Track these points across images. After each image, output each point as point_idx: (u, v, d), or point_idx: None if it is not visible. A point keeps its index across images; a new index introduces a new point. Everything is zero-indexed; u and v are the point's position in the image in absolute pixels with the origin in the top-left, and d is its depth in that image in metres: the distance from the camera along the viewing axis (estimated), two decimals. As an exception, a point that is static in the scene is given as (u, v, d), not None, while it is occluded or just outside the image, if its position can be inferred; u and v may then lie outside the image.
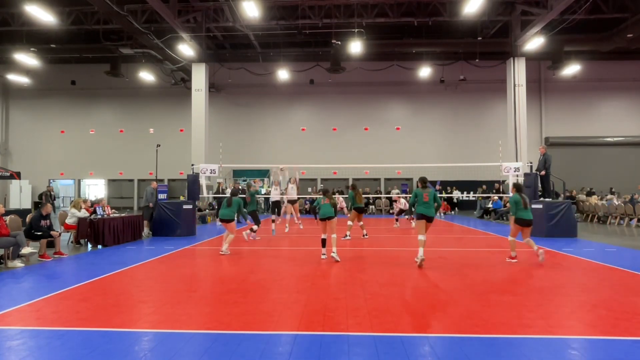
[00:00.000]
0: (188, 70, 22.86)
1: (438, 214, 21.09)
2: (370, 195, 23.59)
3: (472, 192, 22.63)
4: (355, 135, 26.59)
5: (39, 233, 8.54)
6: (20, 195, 24.06)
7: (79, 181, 28.00)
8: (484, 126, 26.08)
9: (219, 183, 19.29)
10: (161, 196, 14.46)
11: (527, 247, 8.94)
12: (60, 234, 9.15)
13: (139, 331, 4.29)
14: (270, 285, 6.29)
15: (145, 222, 12.87)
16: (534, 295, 5.64)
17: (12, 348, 3.84)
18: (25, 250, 7.97)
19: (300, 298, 5.47)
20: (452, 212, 23.60)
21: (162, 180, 24.27)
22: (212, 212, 19.15)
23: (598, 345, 3.93)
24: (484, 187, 21.77)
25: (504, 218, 18.46)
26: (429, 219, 7.90)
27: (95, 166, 27.50)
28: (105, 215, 10.84)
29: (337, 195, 15.15)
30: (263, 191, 23.53)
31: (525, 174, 13.54)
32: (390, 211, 19.32)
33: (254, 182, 25.33)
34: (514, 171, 15.32)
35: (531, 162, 13.86)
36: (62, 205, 28.23)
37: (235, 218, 10.31)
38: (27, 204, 23.90)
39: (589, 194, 21.85)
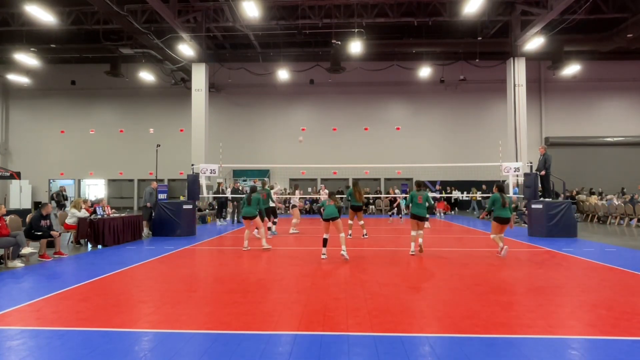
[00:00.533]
0: (188, 70, 22.86)
1: (438, 214, 21.18)
2: (370, 195, 23.58)
3: (472, 192, 22.62)
4: (355, 135, 26.59)
5: (39, 233, 8.54)
6: (20, 195, 24.08)
7: (79, 181, 28.00)
8: (484, 126, 26.08)
9: (219, 183, 19.29)
10: (161, 196, 14.46)
11: (529, 247, 8.97)
12: (60, 234, 9.15)
13: (139, 331, 4.28)
14: (270, 285, 6.29)
15: (145, 222, 12.87)
16: (534, 295, 5.64)
17: (12, 348, 3.84)
18: (25, 250, 7.98)
19: (300, 298, 5.47)
20: (452, 212, 23.61)
21: (162, 180, 24.28)
22: (212, 212, 19.17)
23: (598, 345, 3.93)
24: (484, 187, 21.77)
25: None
26: (420, 219, 9.13)
27: (95, 166, 27.50)
28: (105, 215, 10.84)
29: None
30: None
31: (525, 174, 13.53)
32: (390, 212, 19.37)
33: (254, 182, 25.38)
34: (514, 171, 15.33)
35: (531, 162, 13.85)
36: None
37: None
38: (27, 204, 23.92)
39: (593, 193, 21.85)
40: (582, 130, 26.04)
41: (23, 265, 7.80)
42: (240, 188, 19.97)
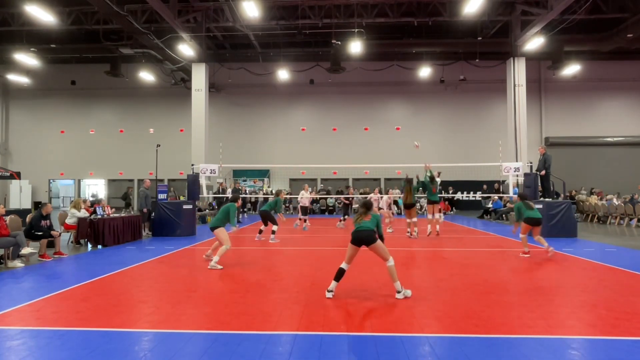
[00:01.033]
0: (188, 70, 22.86)
1: (438, 214, 21.13)
2: (370, 195, 23.52)
3: (471, 192, 22.62)
4: (355, 135, 26.58)
5: (39, 233, 8.54)
6: (20, 195, 24.07)
7: (79, 181, 28.00)
8: (484, 126, 26.09)
9: (219, 183, 19.29)
10: (161, 196, 14.45)
11: (529, 247, 8.96)
12: (60, 234, 9.15)
13: (139, 331, 4.29)
14: (270, 285, 6.29)
15: (144, 224, 12.89)
16: (534, 295, 5.64)
17: (12, 348, 3.84)
18: (25, 250, 7.98)
19: (300, 298, 5.47)
20: (452, 212, 23.61)
21: (162, 180, 24.27)
22: (212, 212, 19.16)
23: (598, 345, 3.93)
24: (485, 187, 21.78)
25: (504, 218, 18.47)
26: (408, 206, 11.73)
27: (95, 166, 27.50)
28: (105, 215, 10.84)
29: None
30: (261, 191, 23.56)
31: (525, 174, 13.54)
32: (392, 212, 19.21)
33: (254, 183, 25.42)
34: (514, 171, 15.32)
35: (531, 162, 13.85)
36: (61, 205, 28.26)
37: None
38: (27, 204, 23.91)
39: (593, 193, 21.85)
40: (582, 130, 26.04)
41: (23, 265, 7.80)
42: (241, 188, 20.00)
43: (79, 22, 19.92)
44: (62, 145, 27.58)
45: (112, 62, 23.62)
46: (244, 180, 26.05)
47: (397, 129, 26.73)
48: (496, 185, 21.02)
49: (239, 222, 17.64)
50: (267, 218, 11.52)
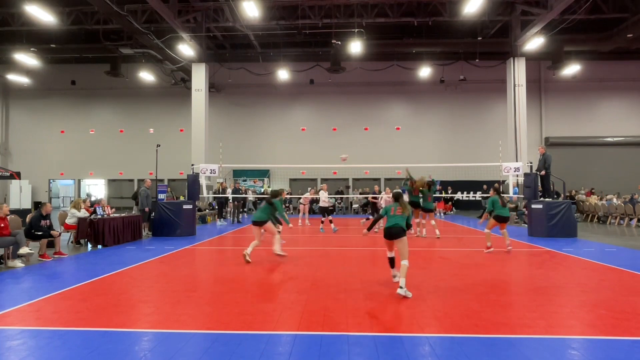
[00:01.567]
0: (188, 70, 22.86)
1: (438, 214, 21.18)
2: (369, 195, 23.51)
3: (471, 192, 22.62)
4: (355, 135, 26.58)
5: (39, 233, 8.54)
6: (20, 195, 24.05)
7: (79, 181, 28.01)
8: (484, 126, 26.08)
9: (219, 183, 19.29)
10: (161, 196, 14.45)
11: (529, 247, 8.96)
12: (60, 234, 9.15)
13: (139, 331, 4.29)
14: (270, 285, 6.30)
15: (144, 224, 12.89)
16: (534, 295, 5.64)
17: (12, 348, 3.84)
18: (23, 250, 7.95)
19: (300, 298, 5.47)
20: (452, 212, 23.62)
21: (162, 180, 24.27)
22: (212, 212, 19.17)
23: (598, 345, 3.93)
24: (485, 187, 21.76)
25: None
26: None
27: (95, 166, 27.50)
28: (105, 215, 10.84)
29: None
30: (262, 191, 23.55)
31: (525, 174, 13.53)
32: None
33: (254, 182, 25.42)
34: (514, 171, 15.32)
35: (531, 162, 13.85)
36: (61, 205, 28.26)
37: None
38: (27, 204, 23.89)
39: (593, 193, 21.86)
40: (582, 130, 26.04)
41: (23, 265, 7.80)
42: (241, 188, 19.98)
43: (79, 22, 19.92)
44: (62, 145, 27.58)
45: (112, 62, 23.62)
46: (244, 180, 26.05)
47: (397, 129, 26.73)
48: (496, 185, 20.99)
49: (239, 222, 17.67)
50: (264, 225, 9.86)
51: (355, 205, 24.62)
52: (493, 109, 26.02)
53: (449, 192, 23.13)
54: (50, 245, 8.87)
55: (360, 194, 23.98)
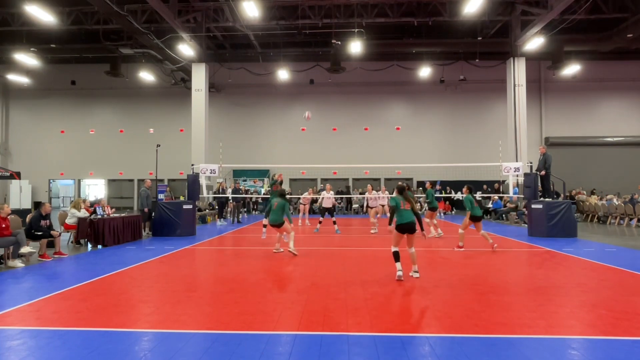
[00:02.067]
0: (188, 70, 22.86)
1: (438, 214, 21.15)
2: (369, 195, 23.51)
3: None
4: (355, 135, 26.58)
5: (39, 233, 8.54)
6: (20, 195, 24.05)
7: (79, 181, 28.01)
8: (484, 126, 26.08)
9: (219, 183, 19.29)
10: (161, 196, 14.46)
11: (529, 247, 8.96)
12: (60, 234, 9.15)
13: (139, 331, 4.29)
14: (270, 285, 6.30)
15: (144, 225, 12.89)
16: (534, 295, 5.64)
17: (12, 348, 3.84)
18: (24, 249, 7.96)
19: (300, 298, 5.47)
20: (451, 212, 23.62)
21: (162, 180, 24.27)
22: (213, 212, 19.17)
23: (598, 345, 3.93)
24: (485, 187, 21.77)
25: (504, 218, 18.49)
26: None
27: (95, 166, 27.50)
28: (105, 215, 10.84)
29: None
30: (262, 191, 23.53)
31: (525, 174, 13.52)
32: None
33: (254, 182, 25.41)
34: (514, 171, 15.32)
35: (531, 162, 13.84)
36: (61, 205, 28.26)
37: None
38: (27, 204, 23.89)
39: (593, 193, 21.86)
40: (582, 130, 26.04)
41: (23, 265, 7.80)
42: (241, 188, 19.98)
43: (79, 22, 19.92)
44: (62, 145, 27.58)
45: (112, 62, 23.61)
46: (244, 180, 26.05)
47: (397, 129, 26.74)
48: (496, 185, 21.01)
49: (239, 222, 17.67)
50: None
51: (355, 205, 24.60)
52: (493, 109, 26.02)
53: (448, 191, 23.12)
54: (50, 245, 8.87)
55: (360, 193, 23.96)
